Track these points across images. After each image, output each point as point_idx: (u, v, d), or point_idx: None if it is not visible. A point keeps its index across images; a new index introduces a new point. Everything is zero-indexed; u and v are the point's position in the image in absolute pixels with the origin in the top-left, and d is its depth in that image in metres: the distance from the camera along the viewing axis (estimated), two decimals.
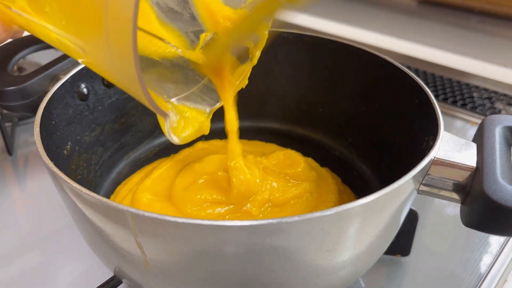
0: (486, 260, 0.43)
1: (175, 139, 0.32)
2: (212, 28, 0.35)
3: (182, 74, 0.35)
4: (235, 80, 0.36)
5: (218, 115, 0.53)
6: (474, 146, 0.32)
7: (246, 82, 0.37)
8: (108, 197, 0.44)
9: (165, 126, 0.30)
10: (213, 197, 0.38)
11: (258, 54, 0.36)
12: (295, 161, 0.43)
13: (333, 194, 0.42)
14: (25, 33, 0.36)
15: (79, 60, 0.29)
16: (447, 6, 0.89)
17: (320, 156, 0.49)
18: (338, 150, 0.50)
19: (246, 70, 0.36)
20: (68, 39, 0.26)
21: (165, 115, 0.29)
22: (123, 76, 0.24)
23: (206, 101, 0.36)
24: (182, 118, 0.33)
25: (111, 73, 0.26)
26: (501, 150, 0.31)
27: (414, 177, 0.28)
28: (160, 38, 0.34)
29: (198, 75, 0.36)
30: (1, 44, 0.35)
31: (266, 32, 0.36)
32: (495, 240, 0.45)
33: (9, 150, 0.56)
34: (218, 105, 0.36)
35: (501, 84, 0.73)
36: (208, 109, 0.36)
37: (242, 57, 0.36)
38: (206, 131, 0.35)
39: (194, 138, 0.34)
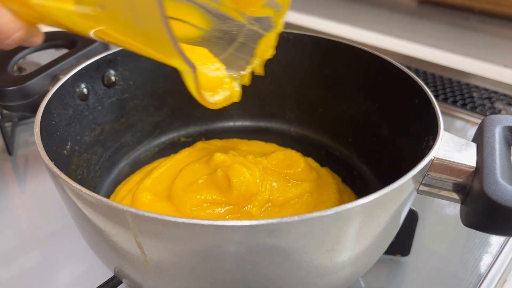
0: (486, 260, 0.43)
1: (209, 99, 0.30)
2: (230, 2, 0.35)
3: (207, 47, 0.35)
4: (260, 51, 0.36)
5: (218, 116, 0.53)
6: (474, 146, 0.32)
7: (273, 52, 0.37)
8: (108, 197, 0.44)
9: (194, 81, 0.27)
10: (213, 197, 0.38)
11: (281, 21, 0.36)
12: (295, 161, 0.43)
13: (333, 194, 0.42)
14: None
15: (92, 30, 0.27)
16: (447, 6, 0.89)
17: (320, 156, 0.49)
18: (338, 150, 0.50)
19: (271, 38, 0.36)
20: (85, 9, 0.26)
21: (193, 66, 0.26)
22: (147, 23, 0.23)
23: (233, 69, 0.35)
24: None
25: (131, 27, 0.25)
26: (501, 150, 0.31)
27: (414, 177, 0.28)
28: (182, 21, 0.34)
29: (222, 48, 0.36)
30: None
31: None
32: (495, 240, 0.45)
33: (9, 150, 0.56)
34: (248, 71, 0.36)
35: (501, 84, 0.73)
36: (237, 76, 0.35)
37: (265, 25, 0.36)
38: (237, 98, 0.33)
39: (225, 105, 0.33)
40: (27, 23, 0.30)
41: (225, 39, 0.36)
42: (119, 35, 0.27)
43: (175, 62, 0.26)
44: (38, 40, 0.32)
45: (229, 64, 0.34)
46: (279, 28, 0.36)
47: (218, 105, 0.32)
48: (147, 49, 0.27)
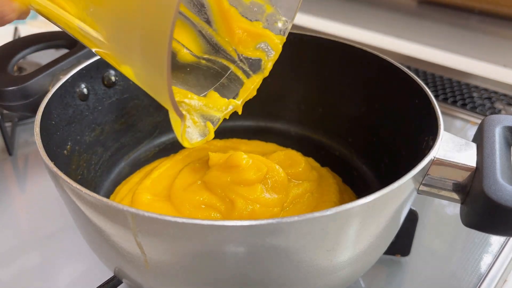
0: (486, 260, 0.43)
1: (187, 143, 0.32)
2: (226, 36, 0.35)
3: (194, 77, 0.36)
4: (245, 92, 0.37)
5: None
6: (474, 146, 0.32)
7: (255, 93, 0.37)
8: (108, 197, 0.44)
9: (180, 128, 0.30)
10: (212, 201, 0.38)
11: (270, 66, 0.37)
12: (296, 161, 0.43)
13: (334, 194, 0.42)
14: (28, 30, 0.35)
15: (94, 50, 0.28)
16: (447, 6, 0.89)
17: (320, 156, 0.49)
18: (338, 150, 0.50)
19: (257, 81, 0.37)
20: (88, 30, 0.26)
21: (182, 116, 0.28)
22: (149, 74, 0.24)
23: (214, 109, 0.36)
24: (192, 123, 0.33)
25: (131, 68, 0.26)
26: (501, 150, 0.31)
27: (414, 177, 0.28)
28: (176, 41, 0.34)
29: (209, 81, 0.36)
30: (2, 44, 0.33)
31: (280, 46, 0.36)
32: (495, 240, 0.45)
33: (9, 150, 0.56)
34: (229, 111, 0.36)
35: (501, 84, 0.73)
36: (218, 117, 0.36)
37: (254, 67, 0.37)
38: (211, 137, 0.35)
39: (201, 144, 0.34)
40: (21, 7, 0.31)
41: (214, 72, 0.37)
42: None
43: (167, 107, 0.27)
44: (26, 16, 0.34)
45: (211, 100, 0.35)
46: (266, 72, 0.37)
47: (194, 145, 0.33)
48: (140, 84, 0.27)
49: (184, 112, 0.32)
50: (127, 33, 0.24)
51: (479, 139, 0.32)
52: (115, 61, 0.27)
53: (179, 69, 0.35)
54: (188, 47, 0.35)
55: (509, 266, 0.43)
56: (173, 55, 0.34)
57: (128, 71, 0.27)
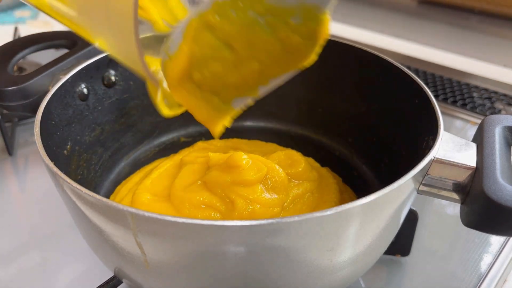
0: (486, 260, 0.43)
1: (166, 111, 0.32)
2: None
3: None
4: None
5: None
6: (474, 146, 0.32)
7: None
8: (108, 197, 0.44)
9: (157, 95, 0.30)
10: (212, 201, 0.38)
11: None
12: (296, 161, 0.43)
13: (334, 194, 0.42)
14: (28, 30, 0.35)
15: (68, 26, 0.28)
16: (447, 6, 0.89)
17: (320, 156, 0.49)
18: (338, 150, 0.50)
19: None
20: (59, 6, 0.26)
21: (157, 83, 0.28)
22: (119, 40, 0.24)
23: None
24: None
25: (105, 40, 0.26)
26: (501, 150, 0.31)
27: (414, 177, 0.28)
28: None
29: None
30: (2, 44, 0.33)
31: None
32: (495, 240, 0.45)
33: (9, 150, 0.56)
34: None
35: (501, 84, 0.73)
36: None
37: None
38: None
39: (181, 111, 0.34)
40: None
41: None
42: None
43: (142, 75, 0.27)
44: None
45: None
46: None
47: (174, 113, 0.33)
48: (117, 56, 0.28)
49: (161, 80, 0.32)
50: (95, 4, 0.24)
51: (479, 139, 0.32)
52: (89, 35, 0.27)
53: (156, 40, 0.35)
54: (163, 17, 0.35)
55: (509, 266, 0.43)
56: (149, 27, 0.34)
57: (102, 43, 0.27)
